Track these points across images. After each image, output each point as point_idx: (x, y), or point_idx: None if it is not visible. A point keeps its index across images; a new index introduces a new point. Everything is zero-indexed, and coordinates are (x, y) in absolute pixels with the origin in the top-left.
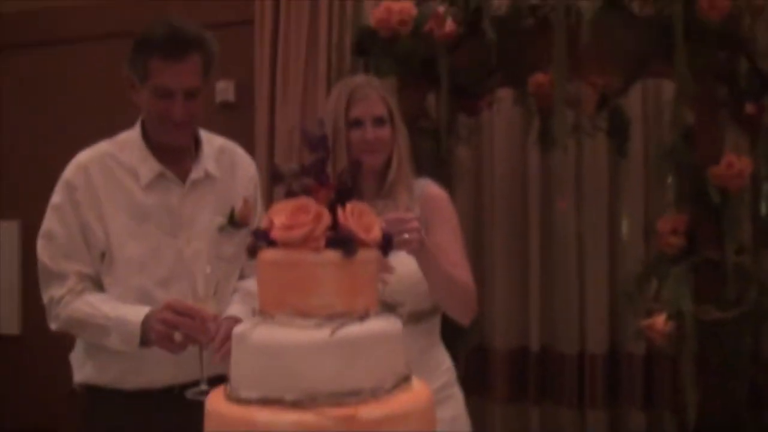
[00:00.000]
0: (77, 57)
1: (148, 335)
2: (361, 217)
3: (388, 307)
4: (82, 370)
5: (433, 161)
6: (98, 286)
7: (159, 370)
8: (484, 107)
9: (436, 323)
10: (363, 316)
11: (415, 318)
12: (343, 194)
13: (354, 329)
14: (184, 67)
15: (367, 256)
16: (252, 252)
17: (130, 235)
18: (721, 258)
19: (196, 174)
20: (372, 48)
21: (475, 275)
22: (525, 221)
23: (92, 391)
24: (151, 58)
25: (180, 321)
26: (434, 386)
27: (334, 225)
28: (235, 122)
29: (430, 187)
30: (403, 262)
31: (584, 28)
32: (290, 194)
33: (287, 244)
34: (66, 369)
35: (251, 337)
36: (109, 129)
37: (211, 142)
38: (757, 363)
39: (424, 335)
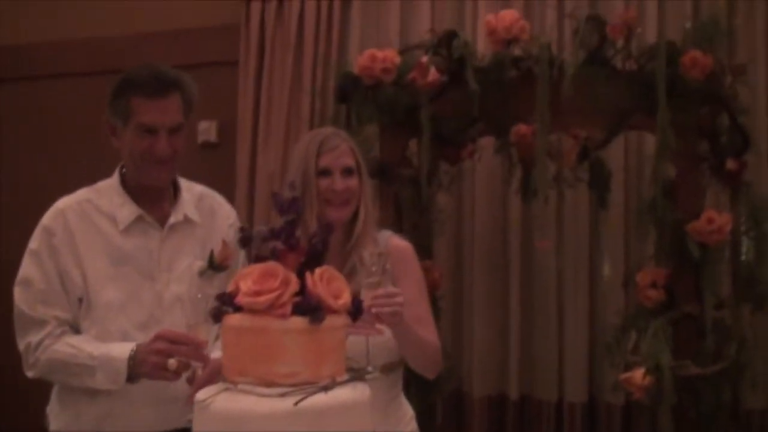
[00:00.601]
0: (69, 91)
1: (137, 369)
2: (331, 283)
3: (357, 372)
4: (59, 419)
5: (414, 209)
6: (76, 331)
7: (137, 417)
8: (465, 156)
9: (401, 374)
10: (329, 385)
11: (386, 370)
12: (313, 259)
13: (319, 399)
14: (167, 105)
15: (335, 322)
16: (216, 317)
17: (108, 278)
18: (700, 313)
19: (175, 218)
20: (355, 95)
21: (455, 321)
22: (505, 269)
23: None
24: (135, 97)
25: (175, 349)
26: None
27: (303, 291)
28: (217, 163)
29: (393, 239)
30: None
31: (567, 81)
32: (258, 258)
33: (253, 310)
34: (34, 410)
35: (213, 405)
36: (104, 163)
37: (191, 189)
38: (736, 417)
39: (393, 385)
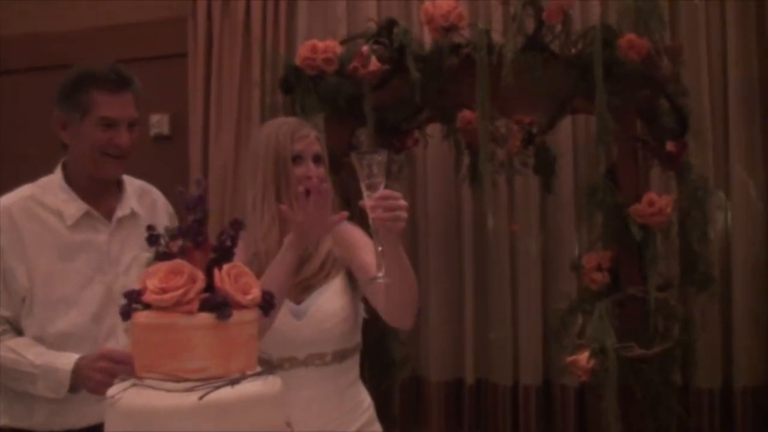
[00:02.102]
0: (13, 88)
1: (80, 382)
2: (239, 279)
3: (269, 366)
4: (8, 413)
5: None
6: (17, 330)
7: (89, 410)
8: (410, 144)
9: (356, 361)
10: (236, 379)
11: (339, 357)
12: (222, 256)
13: (225, 393)
14: (126, 99)
15: (243, 317)
16: (125, 314)
17: (58, 273)
18: (644, 295)
19: (121, 212)
20: (298, 85)
21: None
22: (459, 255)
23: None
24: (97, 91)
25: (120, 369)
26: (357, 424)
27: (211, 287)
28: (170, 155)
29: (343, 225)
30: (326, 302)
31: (506, 67)
32: (165, 256)
33: (160, 308)
34: None
35: (121, 402)
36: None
37: (132, 183)
38: (686, 397)
39: (347, 372)
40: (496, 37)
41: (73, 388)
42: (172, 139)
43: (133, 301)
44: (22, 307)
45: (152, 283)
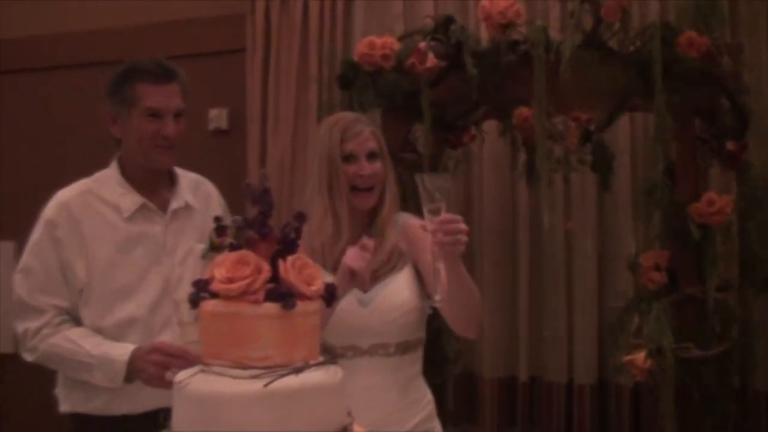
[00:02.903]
0: (76, 82)
1: (135, 374)
2: (303, 270)
3: (332, 357)
4: (68, 399)
5: (417, 194)
6: (75, 319)
7: (145, 395)
8: (467, 141)
9: (419, 355)
10: (300, 368)
11: (402, 349)
12: (285, 247)
13: (288, 381)
14: (171, 90)
15: (307, 308)
16: (194, 302)
17: (115, 264)
18: (702, 295)
19: (176, 204)
20: (356, 81)
21: None
22: (514, 251)
23: (79, 418)
24: (141, 83)
25: (171, 362)
26: (416, 419)
27: (276, 278)
28: (228, 149)
29: (409, 220)
30: (392, 293)
31: (563, 64)
32: (233, 247)
33: (227, 297)
34: (54, 386)
35: (188, 387)
36: (104, 154)
37: (186, 176)
38: (743, 399)
39: (409, 366)
40: (554, 34)
41: (128, 378)
42: (230, 134)
43: (202, 289)
44: (80, 298)
45: (220, 273)
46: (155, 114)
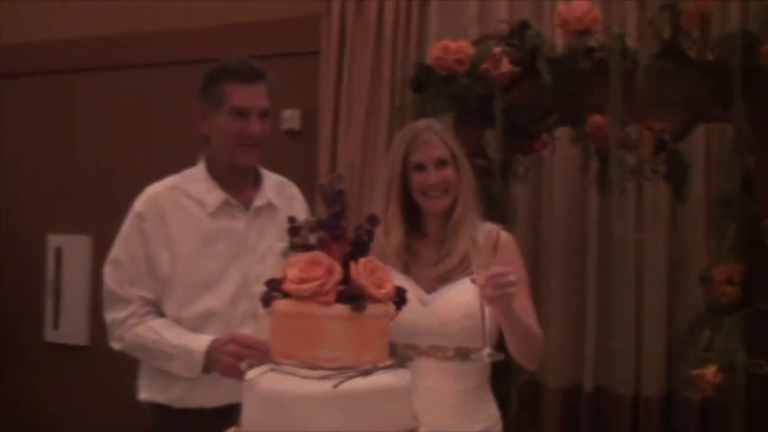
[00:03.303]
0: (155, 81)
1: (212, 364)
2: (374, 273)
3: (401, 360)
4: (148, 388)
5: (488, 199)
6: (159, 310)
7: (220, 387)
8: (539, 147)
9: (484, 367)
10: (369, 370)
11: (462, 355)
12: (357, 249)
13: (357, 383)
14: (257, 90)
15: (377, 311)
16: (266, 301)
17: (198, 257)
18: None
19: (259, 201)
20: (428, 85)
21: None
22: (582, 260)
23: (157, 408)
24: (229, 83)
25: (247, 353)
26: (476, 429)
27: (347, 279)
28: (300, 150)
29: (497, 232)
30: (455, 294)
31: (640, 72)
32: (306, 247)
33: (299, 297)
34: (132, 380)
35: (258, 385)
36: (179, 153)
37: (270, 176)
38: None
39: (470, 375)
40: (631, 41)
41: (206, 368)
42: (303, 135)
43: (274, 289)
44: (164, 290)
45: (292, 273)
46: (241, 113)
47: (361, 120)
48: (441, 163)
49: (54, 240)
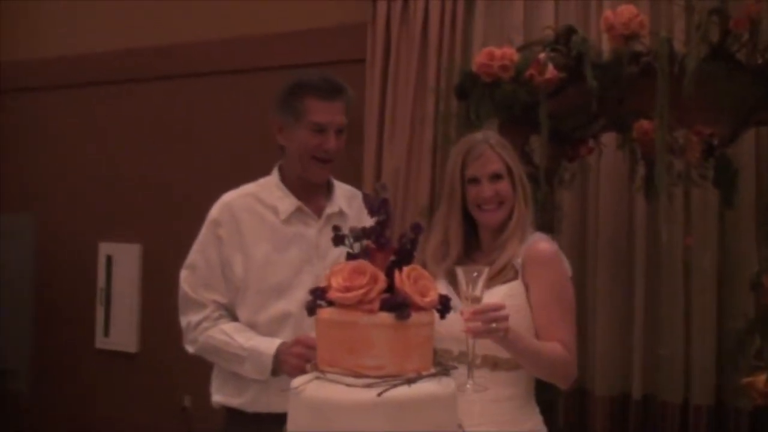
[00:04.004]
0: (208, 90)
1: (279, 366)
2: (418, 281)
3: (445, 369)
4: (221, 391)
5: (533, 207)
6: (232, 315)
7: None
8: (584, 153)
9: (518, 379)
10: (413, 378)
11: (490, 364)
12: (401, 257)
13: (401, 391)
14: (336, 106)
15: (421, 319)
16: (311, 310)
17: (271, 263)
18: None
19: (330, 209)
20: (473, 92)
21: (578, 319)
22: (630, 266)
23: (229, 413)
24: (309, 98)
25: (312, 354)
26: None
27: (391, 288)
28: (345, 157)
29: (537, 244)
30: (484, 300)
31: (688, 77)
32: (350, 256)
33: (343, 305)
34: (178, 386)
35: (304, 392)
36: (225, 162)
37: (341, 186)
38: None
39: (500, 385)
40: (678, 46)
41: (275, 371)
42: (348, 142)
43: (319, 297)
44: (237, 295)
45: (336, 282)
46: (319, 129)
47: (406, 127)
48: (495, 177)
49: (105, 248)
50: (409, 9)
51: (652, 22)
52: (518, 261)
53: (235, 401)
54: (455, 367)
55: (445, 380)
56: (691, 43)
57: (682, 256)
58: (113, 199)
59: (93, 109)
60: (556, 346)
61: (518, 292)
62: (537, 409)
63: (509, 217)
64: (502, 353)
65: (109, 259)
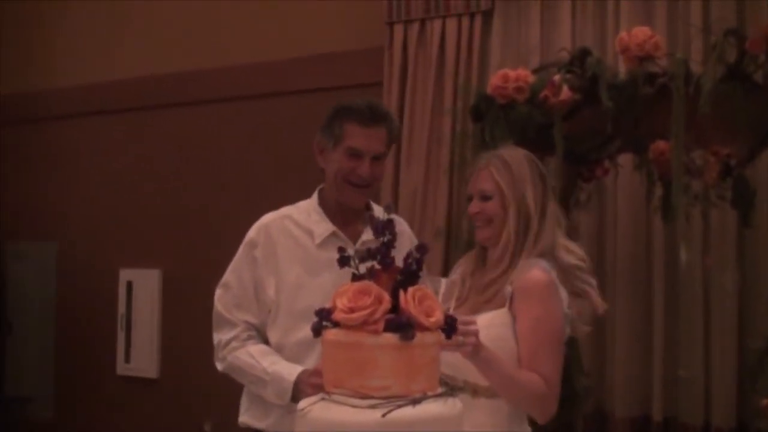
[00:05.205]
0: (218, 117)
1: (298, 394)
2: (423, 302)
3: (451, 389)
4: (248, 412)
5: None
6: (262, 336)
7: None
8: (599, 174)
9: (499, 410)
10: (418, 399)
11: (471, 390)
12: (408, 278)
13: (406, 412)
14: (376, 134)
15: (426, 339)
16: (316, 331)
17: (303, 287)
18: None
19: (366, 236)
20: (488, 114)
21: (596, 340)
22: (649, 286)
23: None
24: (349, 123)
25: None
26: None
27: (396, 308)
28: None
29: (528, 272)
30: None
31: (704, 98)
32: (355, 277)
33: (348, 326)
34: (198, 411)
35: (310, 414)
36: (247, 188)
37: (380, 211)
38: None
39: (483, 413)
40: (695, 67)
41: (295, 397)
42: None
43: (324, 318)
44: (269, 316)
45: (341, 303)
46: (355, 154)
47: (423, 149)
48: (484, 197)
49: (125, 274)
50: (426, 32)
51: (668, 43)
52: (508, 289)
53: (259, 424)
54: (462, 388)
55: (451, 401)
56: (707, 64)
57: (701, 276)
58: (133, 225)
59: (112, 137)
60: (534, 377)
61: (503, 321)
62: None
63: (499, 238)
64: (483, 381)
65: (129, 285)
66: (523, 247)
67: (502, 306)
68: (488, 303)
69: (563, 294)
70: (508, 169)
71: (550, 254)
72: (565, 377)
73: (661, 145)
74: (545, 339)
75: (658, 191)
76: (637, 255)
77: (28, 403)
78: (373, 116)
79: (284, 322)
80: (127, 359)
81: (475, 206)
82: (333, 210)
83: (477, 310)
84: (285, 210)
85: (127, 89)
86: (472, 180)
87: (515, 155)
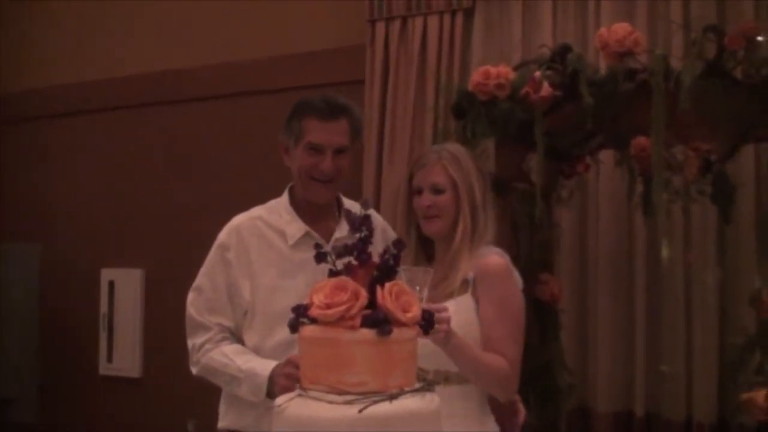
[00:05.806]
0: (201, 116)
1: (273, 387)
2: (400, 297)
3: (429, 384)
4: (226, 416)
5: (530, 223)
6: (237, 338)
7: None
8: (581, 170)
9: (471, 396)
10: (395, 394)
11: (442, 378)
12: (384, 274)
13: (383, 407)
14: (335, 127)
15: (403, 335)
16: (293, 327)
17: (278, 289)
18: None
19: (339, 233)
20: (470, 111)
21: (579, 336)
22: (630, 282)
23: None
24: (308, 119)
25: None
26: None
27: (373, 304)
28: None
29: (487, 258)
30: None
31: (683, 93)
32: (332, 273)
33: (324, 322)
34: (181, 411)
35: (287, 410)
36: (230, 187)
37: (353, 207)
38: None
39: (456, 398)
40: (675, 63)
41: (270, 393)
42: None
43: (301, 315)
44: (244, 320)
45: (318, 299)
46: (315, 149)
47: (405, 147)
48: (436, 190)
49: (107, 274)
50: (407, 30)
51: (649, 40)
52: (470, 275)
53: (237, 425)
54: (438, 383)
55: (428, 396)
56: (687, 60)
57: (683, 272)
58: (115, 224)
59: (94, 137)
60: (499, 359)
61: (467, 307)
62: (492, 421)
63: (454, 232)
64: (454, 367)
65: (111, 285)
66: (473, 237)
67: (463, 293)
68: (448, 297)
69: (518, 277)
70: (458, 163)
71: (493, 243)
72: (548, 373)
73: (641, 140)
74: (508, 321)
75: (640, 187)
76: (619, 251)
77: (10, 406)
78: (331, 110)
79: (261, 325)
80: (110, 359)
81: (427, 199)
82: (303, 208)
83: (438, 301)
84: (255, 211)
85: (109, 89)
86: (420, 174)
87: (461, 150)
